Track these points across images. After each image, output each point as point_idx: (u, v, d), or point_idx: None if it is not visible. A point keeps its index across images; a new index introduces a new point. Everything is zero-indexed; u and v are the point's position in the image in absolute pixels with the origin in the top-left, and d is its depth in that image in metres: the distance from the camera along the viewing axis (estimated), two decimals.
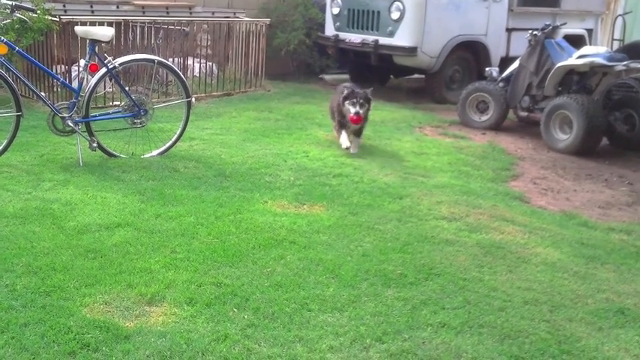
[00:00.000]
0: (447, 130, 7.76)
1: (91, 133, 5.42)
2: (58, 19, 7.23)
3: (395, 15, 9.12)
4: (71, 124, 5.31)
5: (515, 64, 7.97)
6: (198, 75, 8.64)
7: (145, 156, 5.60)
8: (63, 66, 7.52)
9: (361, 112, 6.17)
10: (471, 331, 3.19)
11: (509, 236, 4.45)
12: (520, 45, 8.74)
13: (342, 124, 6.39)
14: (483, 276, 3.79)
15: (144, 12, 9.06)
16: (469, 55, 9.61)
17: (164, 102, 6.72)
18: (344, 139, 6.30)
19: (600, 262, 4.18)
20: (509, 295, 3.58)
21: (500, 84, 8.01)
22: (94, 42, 5.36)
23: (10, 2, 5.46)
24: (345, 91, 6.32)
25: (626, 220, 5.13)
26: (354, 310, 3.29)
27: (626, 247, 4.49)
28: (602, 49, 7.74)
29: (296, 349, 2.92)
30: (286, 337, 3.02)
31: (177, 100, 6.07)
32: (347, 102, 6.21)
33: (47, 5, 7.24)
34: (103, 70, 5.40)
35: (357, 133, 6.42)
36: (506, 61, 9.26)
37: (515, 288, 3.67)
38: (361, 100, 6.19)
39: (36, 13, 6.71)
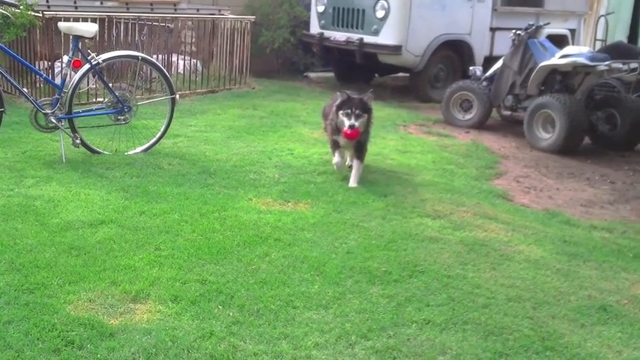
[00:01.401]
0: (431, 129, 7.80)
1: (74, 130, 5.38)
2: (41, 15, 7.17)
3: (380, 13, 9.14)
4: (54, 121, 5.27)
5: (499, 64, 8.02)
6: (182, 72, 8.60)
7: (129, 153, 5.57)
8: (46, 62, 7.46)
9: (357, 124, 5.03)
10: (455, 327, 3.20)
11: (493, 234, 4.47)
12: (504, 44, 8.82)
13: (335, 142, 5.31)
14: (467, 273, 3.82)
15: (128, 8, 9.00)
16: (453, 54, 9.67)
17: (148, 99, 6.69)
18: (337, 159, 5.34)
19: (582, 259, 4.22)
20: (493, 292, 3.61)
21: (484, 83, 8.06)
22: (78, 38, 5.33)
23: None
24: (340, 99, 5.18)
25: (608, 218, 5.18)
26: (339, 307, 3.30)
27: (608, 245, 4.54)
28: (585, 49, 7.82)
29: (281, 346, 2.93)
30: (272, 334, 3.02)
31: (161, 97, 6.04)
32: (340, 112, 5.11)
33: (30, 0, 7.17)
34: (87, 66, 5.37)
35: (358, 152, 5.26)
36: (489, 61, 9.33)
37: (498, 285, 3.70)
38: (357, 111, 5.05)
39: (19, 9, 6.64)
